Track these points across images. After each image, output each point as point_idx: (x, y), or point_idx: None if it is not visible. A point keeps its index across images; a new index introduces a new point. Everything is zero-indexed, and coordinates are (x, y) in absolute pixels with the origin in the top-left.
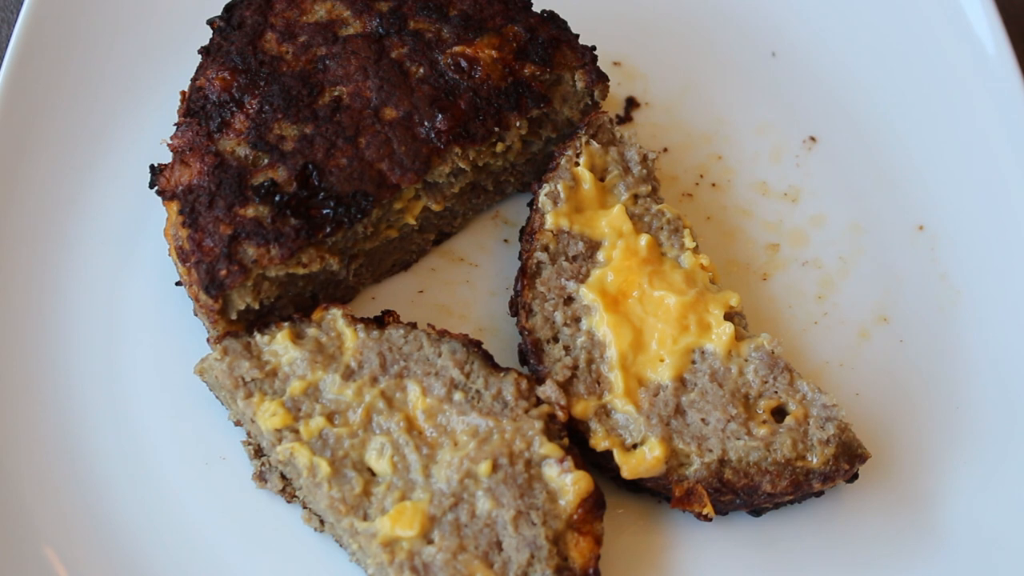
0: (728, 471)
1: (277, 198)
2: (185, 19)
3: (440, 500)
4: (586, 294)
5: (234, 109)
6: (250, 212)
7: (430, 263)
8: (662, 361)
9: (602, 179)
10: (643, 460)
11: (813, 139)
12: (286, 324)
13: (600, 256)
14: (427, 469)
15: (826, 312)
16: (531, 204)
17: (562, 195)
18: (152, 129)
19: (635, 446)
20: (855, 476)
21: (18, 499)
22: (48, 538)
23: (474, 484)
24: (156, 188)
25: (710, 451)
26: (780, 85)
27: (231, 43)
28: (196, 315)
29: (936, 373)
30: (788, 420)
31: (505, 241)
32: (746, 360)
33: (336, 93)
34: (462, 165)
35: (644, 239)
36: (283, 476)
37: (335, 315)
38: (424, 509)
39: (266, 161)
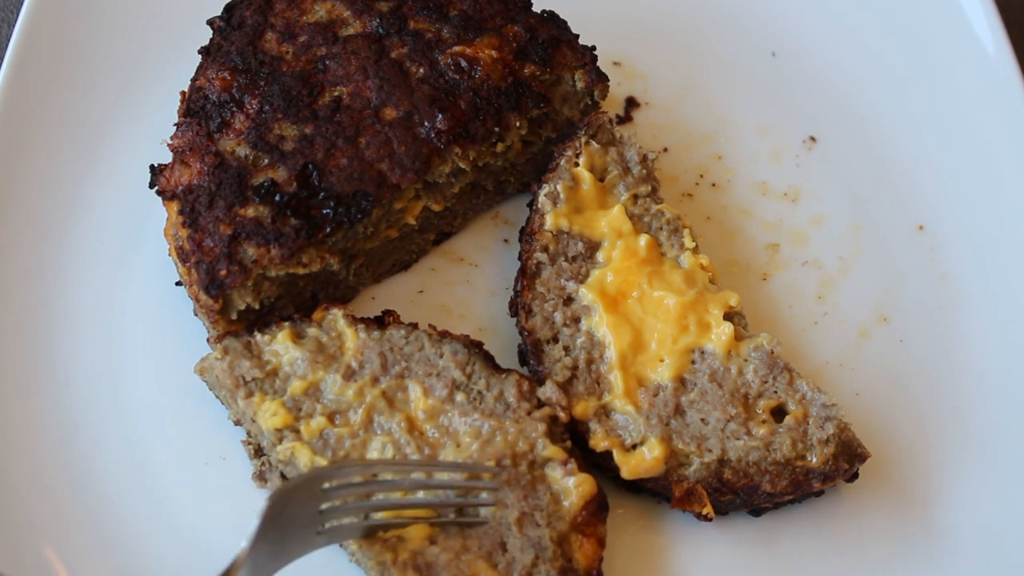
0: (728, 471)
1: (277, 198)
2: (185, 19)
3: None
4: (586, 294)
5: (234, 109)
6: (250, 212)
7: (430, 263)
8: (662, 361)
9: (602, 179)
10: (643, 460)
11: (813, 139)
12: (287, 324)
13: (600, 256)
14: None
15: (826, 312)
16: (531, 204)
17: (562, 195)
18: (152, 129)
19: (635, 446)
20: (855, 476)
21: (18, 499)
22: (48, 538)
23: None
24: (156, 188)
25: (710, 451)
26: (780, 85)
27: (231, 43)
28: (196, 315)
29: (936, 373)
30: (788, 420)
31: (505, 241)
32: (746, 360)
33: (336, 93)
34: (462, 165)
35: (644, 239)
36: (283, 476)
37: (336, 315)
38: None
39: (266, 161)
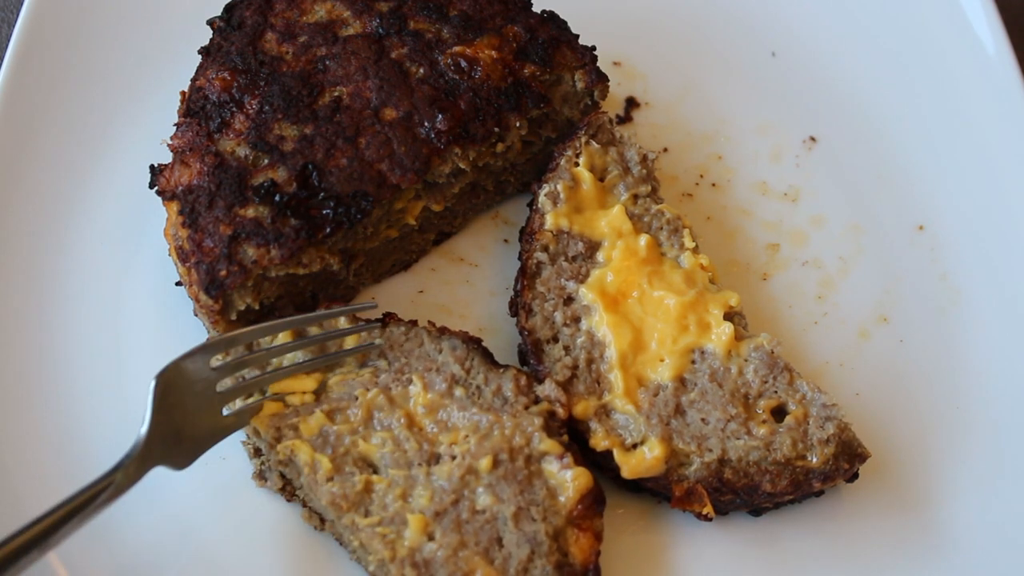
0: (728, 471)
1: (277, 198)
2: (185, 19)
3: (441, 496)
4: (586, 294)
5: (234, 109)
6: (250, 212)
7: (430, 263)
8: (662, 361)
9: (602, 179)
10: (643, 460)
11: (813, 139)
12: None
13: (600, 256)
14: (428, 465)
15: (826, 312)
16: (531, 204)
17: (562, 195)
18: (152, 129)
19: (635, 446)
20: (855, 476)
21: (18, 499)
22: None
23: (474, 480)
24: (156, 188)
25: (710, 451)
26: (780, 85)
27: (231, 43)
28: (196, 315)
29: (936, 373)
30: (788, 420)
31: (505, 241)
32: (746, 360)
33: (336, 93)
34: (462, 165)
35: (644, 239)
36: (283, 475)
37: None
38: (425, 506)
39: (266, 161)
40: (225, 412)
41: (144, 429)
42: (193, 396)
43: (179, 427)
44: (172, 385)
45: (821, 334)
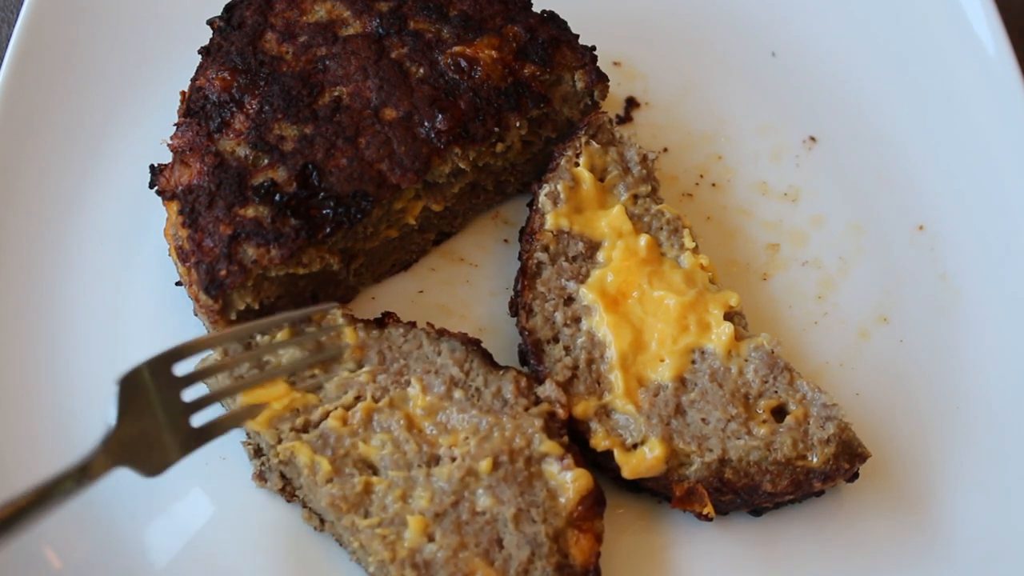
0: (728, 471)
1: (277, 198)
2: (185, 19)
3: (441, 498)
4: (586, 294)
5: (234, 109)
6: (250, 212)
7: (430, 263)
8: (662, 361)
9: (602, 179)
10: (643, 460)
11: (813, 139)
12: (286, 323)
13: (600, 256)
14: (428, 467)
15: (826, 312)
16: (531, 204)
17: (562, 195)
18: (152, 129)
19: (635, 446)
20: (855, 475)
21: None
22: (48, 538)
23: (475, 482)
24: (156, 188)
25: (710, 451)
26: (780, 85)
27: (231, 43)
28: (196, 315)
29: (936, 373)
30: (788, 420)
31: (505, 241)
32: (746, 360)
33: (336, 93)
34: (462, 165)
35: (644, 239)
36: (283, 475)
37: (335, 314)
38: (425, 507)
39: (266, 161)
40: (194, 423)
41: (111, 422)
42: (158, 404)
43: (147, 432)
44: (136, 389)
45: (821, 334)
